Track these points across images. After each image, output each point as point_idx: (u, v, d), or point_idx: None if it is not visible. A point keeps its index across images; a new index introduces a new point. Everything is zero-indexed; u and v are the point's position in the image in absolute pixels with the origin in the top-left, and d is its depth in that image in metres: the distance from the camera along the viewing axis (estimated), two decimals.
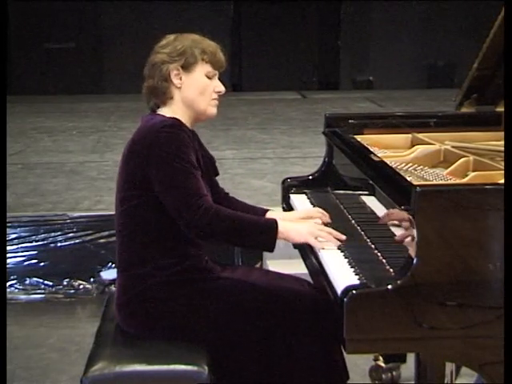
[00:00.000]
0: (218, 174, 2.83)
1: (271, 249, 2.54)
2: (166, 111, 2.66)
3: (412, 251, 2.13)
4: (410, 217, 2.12)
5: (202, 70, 2.65)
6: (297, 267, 2.96)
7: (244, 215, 2.59)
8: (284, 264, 3.22)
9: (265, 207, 2.90)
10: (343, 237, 2.56)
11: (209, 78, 2.66)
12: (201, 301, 2.55)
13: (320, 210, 2.82)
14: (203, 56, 2.64)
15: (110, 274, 4.98)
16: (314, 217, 2.76)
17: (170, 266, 2.56)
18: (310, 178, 3.24)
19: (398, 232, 2.34)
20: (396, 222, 2.36)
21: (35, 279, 4.98)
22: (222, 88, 2.69)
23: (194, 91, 2.65)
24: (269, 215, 2.83)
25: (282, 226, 2.55)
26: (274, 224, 2.54)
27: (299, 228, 2.59)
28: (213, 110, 2.70)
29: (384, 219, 2.46)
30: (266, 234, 2.53)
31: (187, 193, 2.49)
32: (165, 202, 2.52)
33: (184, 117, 2.64)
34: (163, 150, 2.50)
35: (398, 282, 2.10)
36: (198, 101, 2.65)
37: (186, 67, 2.63)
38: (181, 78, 2.63)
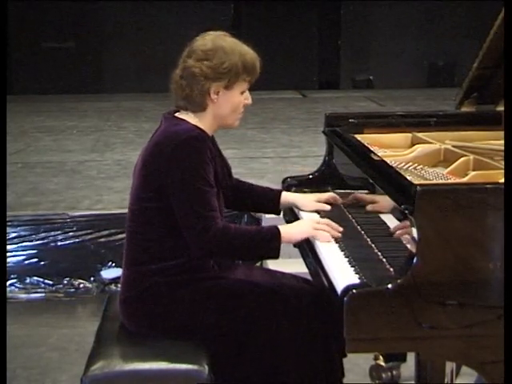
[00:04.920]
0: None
1: (277, 256, 2.55)
2: (191, 117, 2.64)
3: (411, 248, 2.13)
4: (410, 216, 2.12)
5: (239, 88, 2.63)
6: (297, 266, 2.96)
7: (247, 231, 2.59)
8: (284, 263, 3.20)
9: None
10: (340, 228, 2.60)
11: (242, 93, 2.66)
12: (201, 300, 2.56)
13: (332, 194, 2.94)
14: (245, 75, 2.62)
15: (110, 272, 4.98)
16: (324, 199, 2.90)
17: (176, 266, 2.57)
18: (310, 177, 3.24)
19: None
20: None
21: (35, 278, 4.98)
22: (250, 100, 2.70)
23: (228, 108, 2.64)
24: (283, 197, 2.93)
25: (284, 231, 2.56)
26: (276, 232, 2.55)
27: (299, 226, 2.64)
28: (237, 123, 2.72)
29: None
30: (270, 245, 2.54)
31: (197, 214, 2.47)
32: (176, 213, 2.51)
33: (208, 125, 2.63)
34: (183, 164, 2.49)
35: (398, 281, 2.10)
36: (228, 117, 2.66)
37: (227, 86, 2.61)
38: (218, 93, 2.61)
